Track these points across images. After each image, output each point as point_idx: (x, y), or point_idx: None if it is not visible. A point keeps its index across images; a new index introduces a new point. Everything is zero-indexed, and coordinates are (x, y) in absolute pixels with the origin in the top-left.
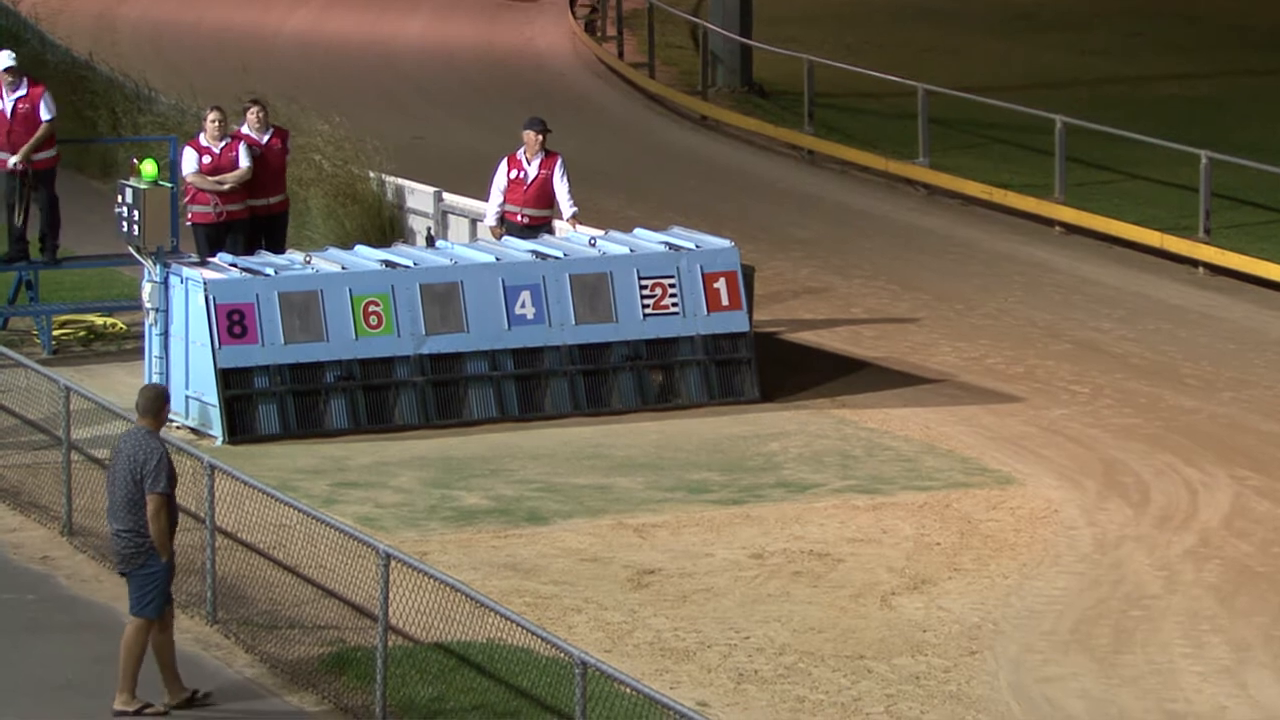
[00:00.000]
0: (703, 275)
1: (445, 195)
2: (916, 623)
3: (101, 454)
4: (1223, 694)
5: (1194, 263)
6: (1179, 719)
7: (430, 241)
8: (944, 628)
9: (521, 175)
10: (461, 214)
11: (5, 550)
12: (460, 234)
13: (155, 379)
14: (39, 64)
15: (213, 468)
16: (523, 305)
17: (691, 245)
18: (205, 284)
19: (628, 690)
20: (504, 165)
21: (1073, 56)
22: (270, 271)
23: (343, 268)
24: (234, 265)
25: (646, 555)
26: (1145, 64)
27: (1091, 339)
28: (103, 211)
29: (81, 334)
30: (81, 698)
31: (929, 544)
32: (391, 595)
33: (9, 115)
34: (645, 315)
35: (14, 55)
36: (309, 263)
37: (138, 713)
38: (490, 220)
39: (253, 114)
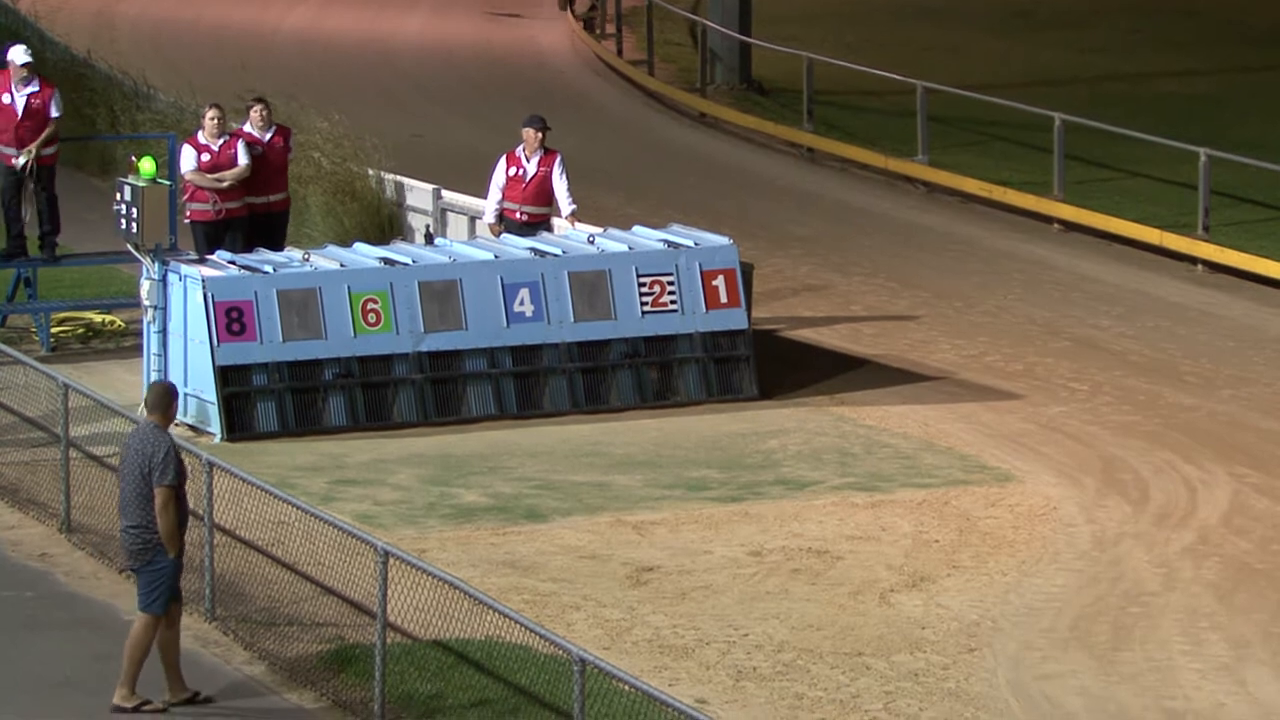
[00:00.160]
0: (701, 273)
1: (444, 193)
2: (915, 620)
3: (100, 451)
4: (1221, 691)
5: (1193, 260)
6: (1178, 716)
7: (429, 239)
8: (943, 625)
9: (520, 173)
10: (460, 211)
11: (4, 547)
12: (459, 231)
13: (154, 376)
14: (38, 62)
15: (211, 465)
16: (521, 303)
17: (690, 243)
18: (204, 281)
19: (626, 687)
20: (503, 163)
21: (1072, 54)
22: (269, 269)
23: (341, 265)
24: (232, 263)
25: (645, 552)
26: (1144, 61)
27: (1090, 336)
28: (101, 209)
29: (80, 331)
30: (80, 695)
31: (928, 541)
32: (390, 592)
33: (20, 111)
34: (644, 313)
35: (29, 50)
36: (308, 260)
37: (135, 709)
38: (489, 218)
39: (256, 112)
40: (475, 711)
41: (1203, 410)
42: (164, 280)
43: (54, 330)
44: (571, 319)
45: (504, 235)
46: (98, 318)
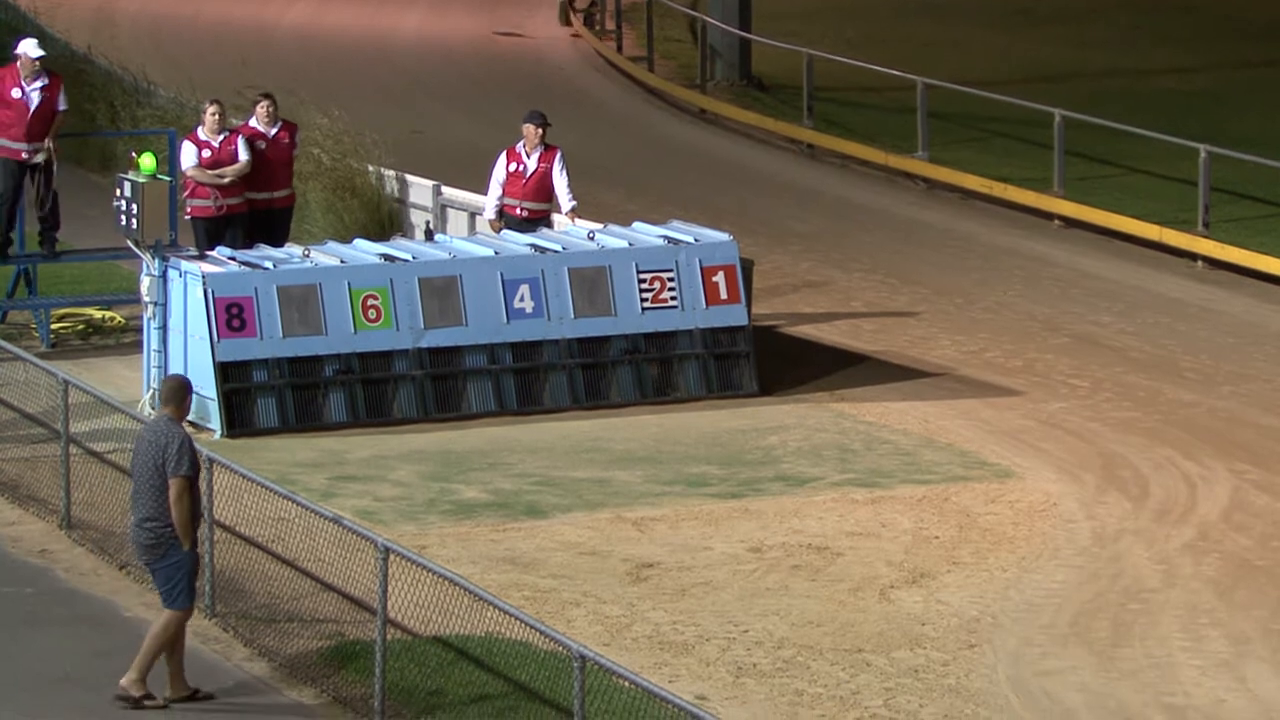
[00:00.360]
0: (701, 269)
1: (444, 189)
2: (915, 616)
3: (100, 447)
4: (1221, 687)
5: (1193, 256)
6: (1177, 712)
7: (429, 235)
8: (943, 621)
9: (520, 169)
10: (460, 207)
11: (4, 544)
12: (459, 227)
13: (154, 372)
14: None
15: (211, 461)
16: (521, 299)
17: (690, 239)
18: (204, 277)
19: (626, 684)
20: (503, 159)
21: (1071, 50)
22: (269, 265)
23: (341, 261)
24: (232, 259)
25: (645, 549)
26: (1144, 57)
27: (1091, 333)
28: (101, 205)
29: (80, 327)
30: (80, 691)
31: (928, 537)
32: (390, 588)
33: (32, 106)
34: (644, 309)
35: (40, 44)
36: (308, 256)
37: (138, 700)
38: (489, 214)
39: (262, 108)
40: (475, 708)
41: (1203, 406)
42: (164, 276)
43: (54, 326)
44: (572, 315)
45: (504, 231)
46: (98, 314)
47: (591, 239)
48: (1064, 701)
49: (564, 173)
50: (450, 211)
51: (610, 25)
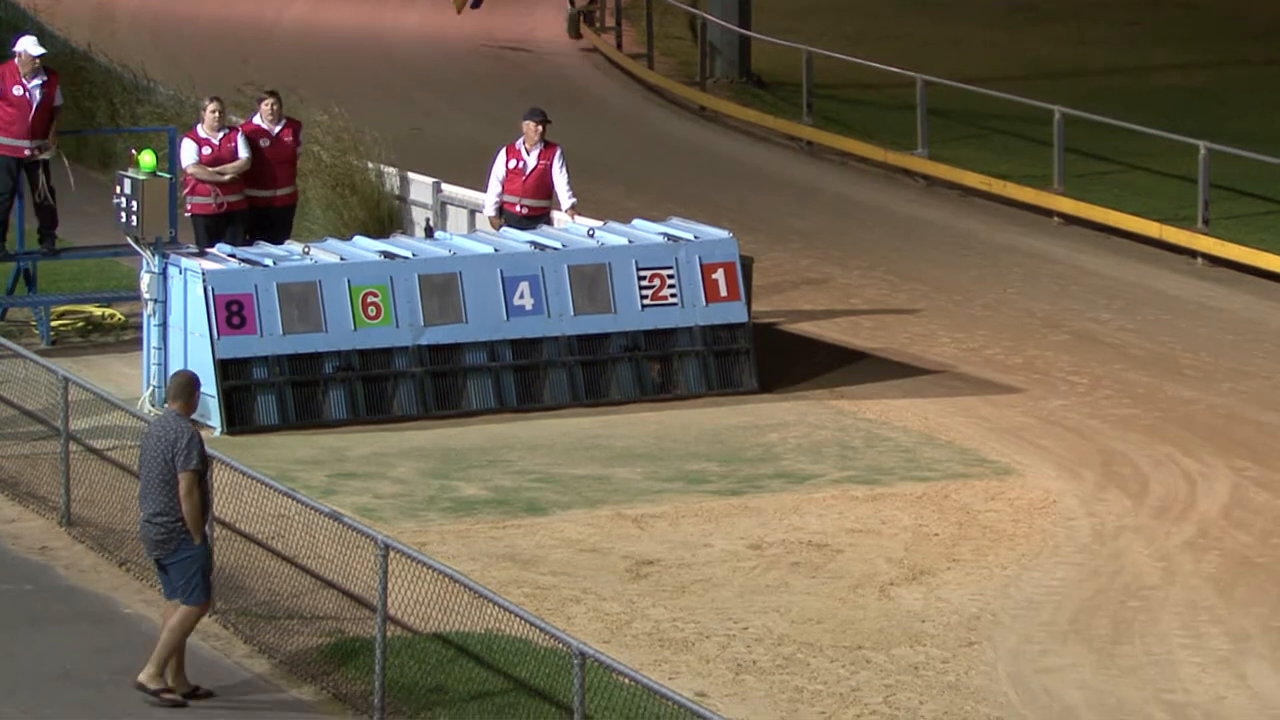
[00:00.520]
0: (701, 266)
1: (444, 186)
2: (915, 613)
3: (100, 445)
4: (1221, 684)
5: (1193, 253)
6: (1177, 709)
7: (429, 232)
8: (942, 618)
9: (520, 166)
10: (460, 205)
11: (4, 541)
12: (459, 225)
13: (153, 369)
14: None
15: (211, 458)
16: (521, 296)
17: (690, 236)
18: (204, 274)
19: (626, 681)
20: (502, 156)
21: (1071, 47)
22: (269, 262)
23: (341, 258)
24: (232, 256)
25: (645, 546)
26: (1144, 55)
27: (1090, 330)
28: (101, 202)
29: (80, 325)
30: (80, 688)
31: (927, 535)
32: (390, 586)
33: (34, 103)
34: (644, 306)
35: (39, 41)
36: (307, 253)
37: (157, 693)
38: (489, 211)
39: (266, 105)
40: (475, 704)
41: (1202, 404)
42: (164, 273)
43: (54, 324)
44: (571, 312)
45: (504, 229)
46: (97, 311)
47: (591, 236)
48: (1064, 698)
49: (564, 170)
50: (450, 209)
51: (610, 22)
